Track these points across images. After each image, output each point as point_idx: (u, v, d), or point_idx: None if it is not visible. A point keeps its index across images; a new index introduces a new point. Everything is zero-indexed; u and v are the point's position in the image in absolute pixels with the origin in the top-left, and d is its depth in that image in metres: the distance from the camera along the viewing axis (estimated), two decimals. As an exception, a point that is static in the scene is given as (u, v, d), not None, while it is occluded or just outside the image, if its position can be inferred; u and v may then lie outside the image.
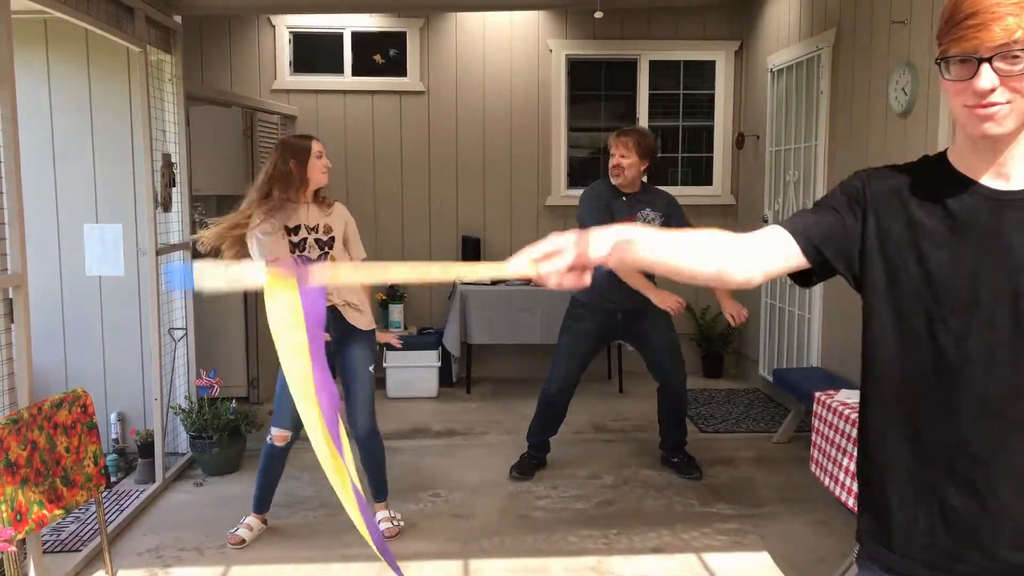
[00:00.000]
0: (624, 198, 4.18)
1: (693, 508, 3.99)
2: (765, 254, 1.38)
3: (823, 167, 4.94)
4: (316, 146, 3.48)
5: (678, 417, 4.43)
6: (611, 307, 4.20)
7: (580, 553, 3.52)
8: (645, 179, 4.37)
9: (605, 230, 1.37)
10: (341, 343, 3.56)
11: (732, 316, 4.09)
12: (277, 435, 3.57)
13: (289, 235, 3.41)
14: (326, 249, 3.47)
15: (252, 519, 3.69)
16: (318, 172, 3.45)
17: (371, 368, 3.61)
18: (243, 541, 3.58)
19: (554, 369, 4.34)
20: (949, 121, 3.68)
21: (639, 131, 4.26)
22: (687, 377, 4.44)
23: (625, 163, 4.11)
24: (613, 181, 4.17)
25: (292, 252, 3.40)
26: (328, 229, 3.48)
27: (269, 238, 3.35)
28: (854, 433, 2.96)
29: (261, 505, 3.71)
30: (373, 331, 3.64)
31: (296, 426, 3.58)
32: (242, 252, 3.40)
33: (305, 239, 3.43)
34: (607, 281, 4.11)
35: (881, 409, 1.38)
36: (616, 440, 5.02)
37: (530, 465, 4.43)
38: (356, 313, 3.54)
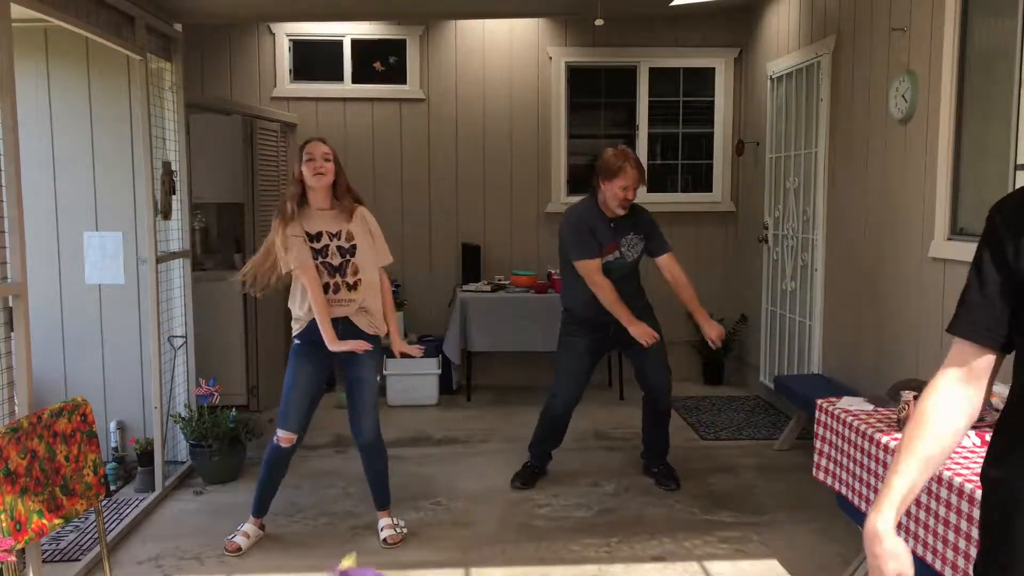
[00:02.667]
0: (612, 224, 4.16)
1: (695, 516, 3.97)
2: (972, 388, 1.46)
3: (823, 174, 4.94)
4: (307, 149, 3.48)
5: (661, 427, 4.42)
6: (603, 320, 4.21)
7: (581, 561, 3.51)
8: None
9: (892, 544, 1.39)
10: (350, 351, 3.54)
11: (712, 340, 4.16)
12: (283, 437, 3.58)
13: (311, 242, 3.44)
14: (348, 257, 3.48)
15: (249, 526, 3.67)
16: (309, 175, 3.44)
17: (377, 377, 3.63)
18: (239, 549, 3.57)
19: (559, 388, 4.33)
20: (949, 128, 3.68)
21: (640, 163, 4.13)
22: (672, 388, 4.41)
23: (632, 196, 4.08)
24: (618, 211, 4.10)
25: (315, 259, 3.44)
26: (350, 236, 3.48)
27: (294, 240, 3.42)
28: (860, 441, 2.96)
29: (260, 509, 3.70)
30: (378, 337, 3.62)
31: (302, 428, 3.60)
32: (275, 277, 3.52)
33: (327, 246, 3.46)
34: (601, 308, 4.14)
35: None
36: (617, 448, 5.00)
37: (532, 474, 4.42)
38: (367, 317, 3.55)
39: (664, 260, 4.26)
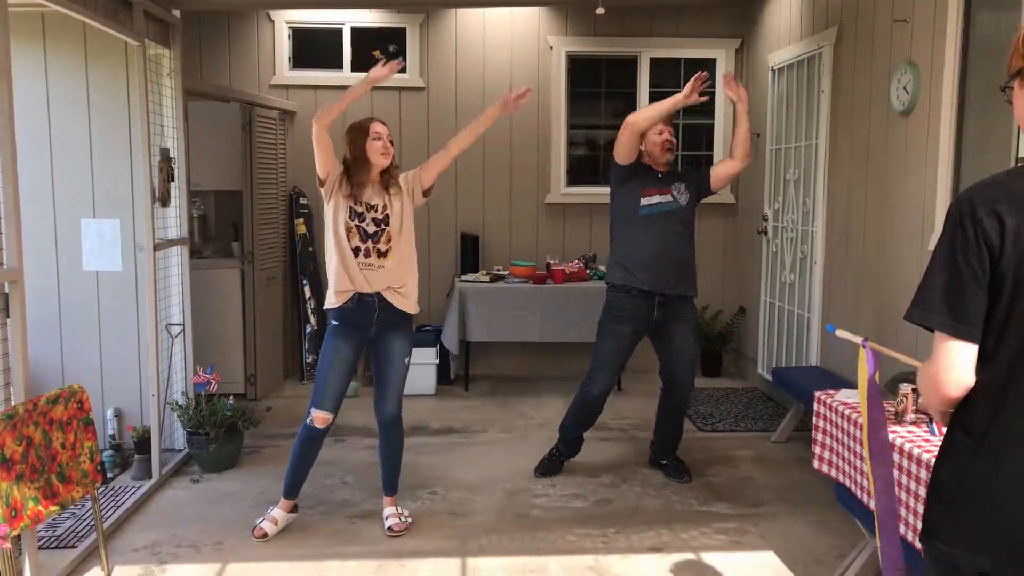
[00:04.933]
0: (660, 175, 4.22)
1: (692, 507, 3.98)
2: (967, 376, 1.58)
3: (823, 166, 4.93)
4: (375, 128, 3.58)
5: (677, 423, 4.38)
6: (654, 291, 4.12)
7: (578, 552, 3.51)
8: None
9: None
10: (383, 330, 3.62)
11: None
12: (318, 416, 3.59)
13: (356, 204, 3.55)
14: (383, 226, 3.57)
15: (279, 511, 3.69)
16: (376, 154, 3.54)
17: (407, 360, 3.68)
18: (266, 535, 3.60)
19: (597, 373, 4.24)
20: (950, 120, 3.67)
21: None
22: (694, 386, 4.37)
23: (670, 136, 4.22)
24: (666, 156, 4.22)
25: (352, 221, 3.53)
26: (385, 208, 3.58)
27: (335, 201, 3.54)
28: (858, 433, 2.96)
29: (292, 489, 3.72)
30: (411, 318, 3.70)
31: (336, 408, 3.62)
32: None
33: (364, 215, 3.56)
34: (654, 260, 4.10)
35: None
36: (614, 439, 5.00)
37: (558, 463, 4.40)
38: (402, 298, 3.62)
39: (719, 165, 4.31)
